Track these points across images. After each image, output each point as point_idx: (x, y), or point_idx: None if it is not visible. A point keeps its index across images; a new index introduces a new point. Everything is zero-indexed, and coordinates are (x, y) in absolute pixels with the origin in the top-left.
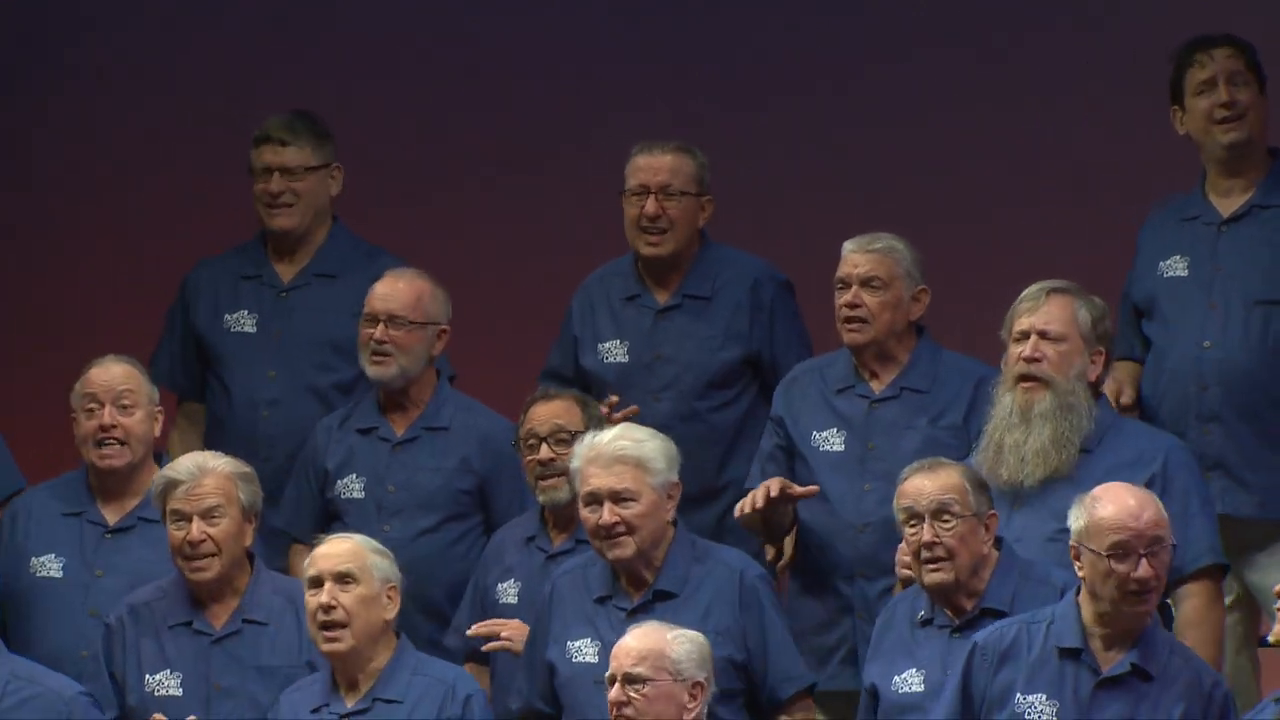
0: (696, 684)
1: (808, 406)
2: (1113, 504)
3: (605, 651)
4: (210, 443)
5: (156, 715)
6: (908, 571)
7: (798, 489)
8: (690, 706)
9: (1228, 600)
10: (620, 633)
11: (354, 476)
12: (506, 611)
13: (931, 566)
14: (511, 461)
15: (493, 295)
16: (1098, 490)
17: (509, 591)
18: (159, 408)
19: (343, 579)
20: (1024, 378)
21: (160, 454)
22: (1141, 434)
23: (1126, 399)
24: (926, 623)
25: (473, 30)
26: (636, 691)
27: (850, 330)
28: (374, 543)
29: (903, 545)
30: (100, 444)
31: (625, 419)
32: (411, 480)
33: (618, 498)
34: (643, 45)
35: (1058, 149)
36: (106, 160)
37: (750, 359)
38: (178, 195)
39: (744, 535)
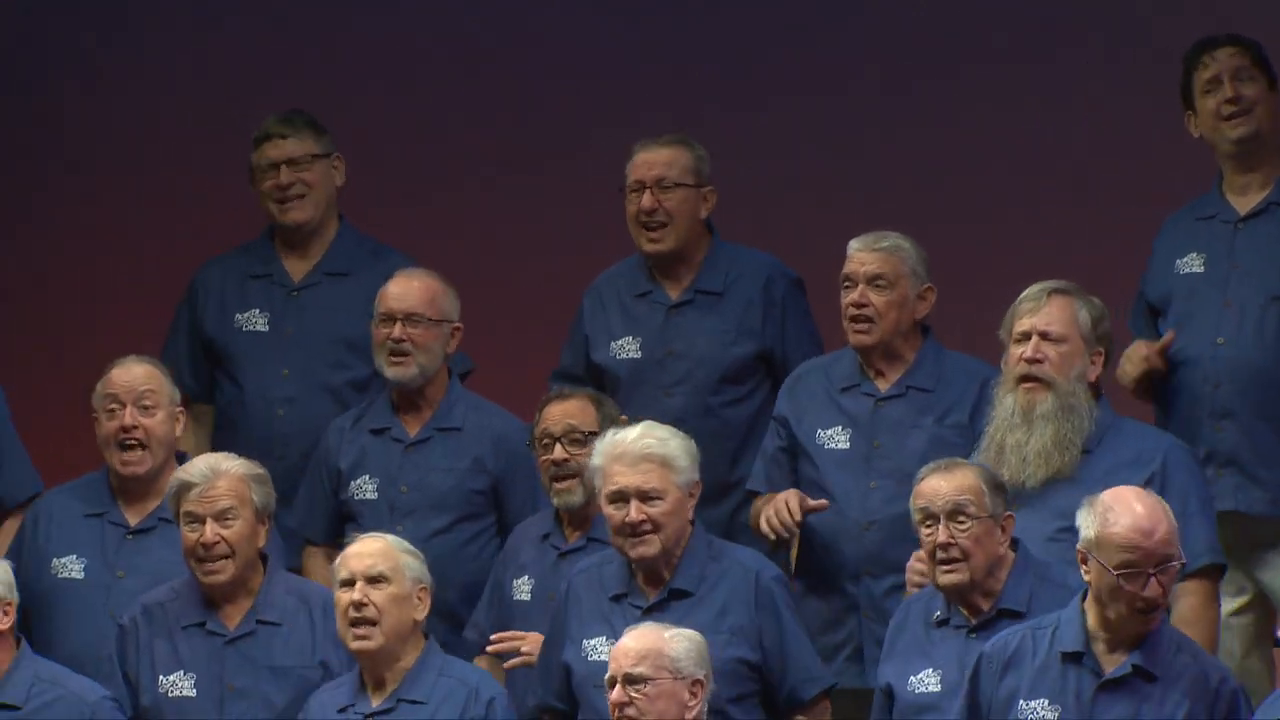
0: (696, 681)
1: (813, 404)
2: (1125, 517)
3: None
4: (222, 442)
5: None
6: (919, 578)
7: (810, 503)
8: (691, 704)
9: (1241, 601)
10: None
11: (367, 477)
12: (520, 608)
13: (946, 568)
14: (525, 461)
15: (493, 295)
16: (1109, 498)
17: (522, 588)
18: (180, 408)
19: (374, 579)
20: (1025, 379)
21: (183, 455)
22: (1140, 434)
23: (1157, 361)
24: (943, 623)
25: (473, 30)
26: (638, 691)
27: (858, 332)
28: (406, 544)
29: (913, 560)
30: (122, 446)
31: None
32: (424, 481)
33: (645, 496)
34: (643, 45)
35: (1058, 149)
36: (111, 161)
37: (763, 355)
38: (185, 196)
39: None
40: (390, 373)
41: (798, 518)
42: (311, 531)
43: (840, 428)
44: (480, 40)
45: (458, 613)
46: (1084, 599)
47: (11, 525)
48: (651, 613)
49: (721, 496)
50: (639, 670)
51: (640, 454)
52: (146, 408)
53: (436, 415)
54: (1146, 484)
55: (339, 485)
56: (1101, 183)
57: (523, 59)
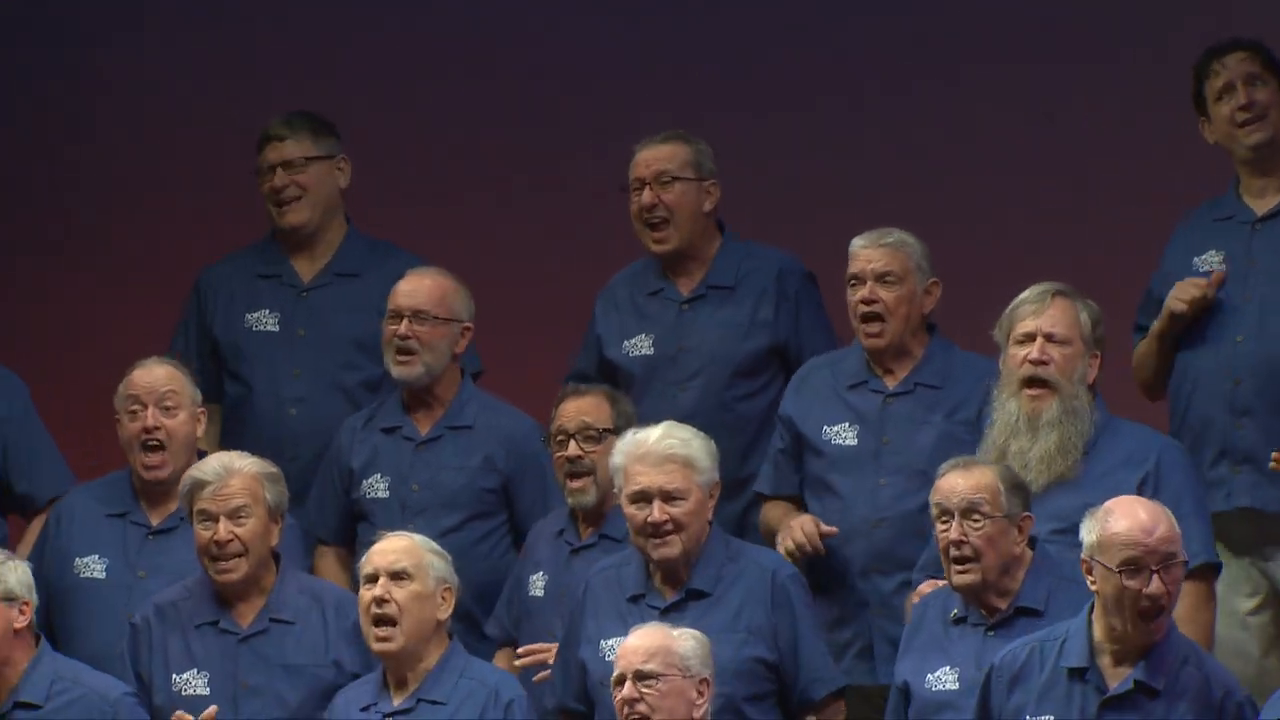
0: (703, 680)
1: (819, 401)
2: (1125, 519)
3: None
4: (232, 442)
5: (179, 714)
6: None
7: (824, 528)
8: (699, 703)
9: (1257, 600)
10: None
11: (378, 476)
12: (534, 603)
13: (959, 568)
14: (535, 461)
15: (492, 295)
16: (1110, 504)
17: (537, 584)
18: (202, 408)
19: (398, 576)
20: (1031, 381)
21: (204, 454)
22: (1134, 434)
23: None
24: (960, 621)
25: (472, 31)
26: (649, 688)
27: (870, 334)
28: (432, 543)
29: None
30: (145, 448)
31: None
32: (435, 479)
33: (668, 496)
34: (643, 45)
35: (1058, 149)
36: (119, 163)
37: (777, 349)
38: (193, 197)
39: None
40: (396, 371)
41: (820, 547)
42: (323, 531)
43: (847, 424)
44: (479, 41)
45: (470, 611)
46: (1091, 611)
47: (39, 523)
48: (669, 614)
49: (734, 493)
50: (650, 667)
51: (664, 454)
52: (168, 409)
53: (448, 414)
54: (1141, 484)
55: (351, 484)
56: (1101, 183)
57: (522, 59)
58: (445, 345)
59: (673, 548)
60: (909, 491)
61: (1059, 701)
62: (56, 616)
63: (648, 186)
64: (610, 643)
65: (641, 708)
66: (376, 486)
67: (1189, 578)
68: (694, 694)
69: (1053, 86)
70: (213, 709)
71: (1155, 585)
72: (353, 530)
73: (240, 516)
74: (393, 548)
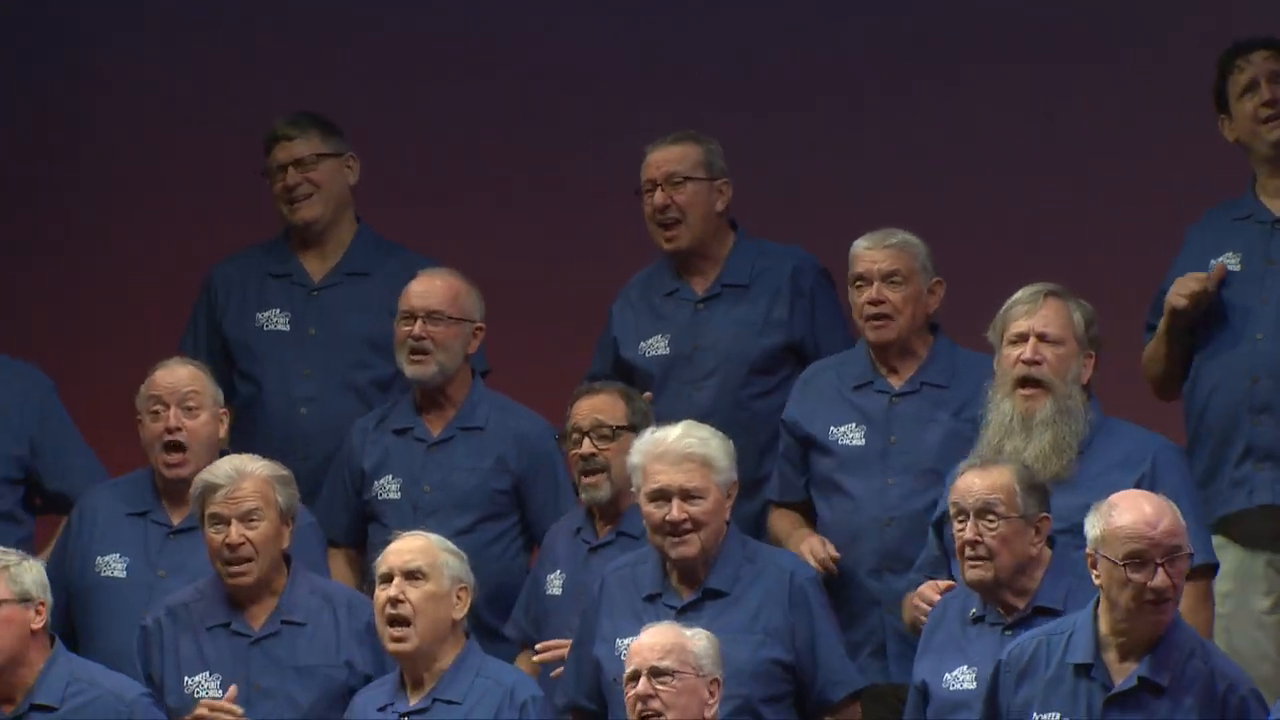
0: (714, 680)
1: (824, 403)
2: (1130, 512)
3: None
4: (243, 441)
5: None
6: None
7: (830, 550)
8: (710, 703)
9: (1274, 599)
10: None
11: (390, 477)
12: (552, 602)
13: (972, 564)
14: (547, 461)
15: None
16: (1115, 497)
17: (555, 582)
18: (224, 409)
19: (412, 575)
20: (1024, 381)
21: (225, 454)
22: (1130, 434)
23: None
24: (978, 620)
25: (471, 32)
26: (663, 684)
27: (877, 327)
28: (448, 543)
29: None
30: (166, 448)
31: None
32: (447, 480)
33: (687, 495)
34: (643, 45)
35: (1058, 149)
36: (118, 163)
37: (792, 346)
38: (192, 197)
39: None
40: (410, 371)
41: (832, 569)
42: (334, 532)
43: (854, 424)
44: (479, 41)
45: (480, 613)
46: (1096, 606)
47: None
48: (686, 613)
49: (751, 492)
50: (665, 664)
51: (683, 453)
52: (190, 409)
53: (459, 415)
54: (1137, 484)
55: (362, 485)
56: (1101, 183)
57: (522, 60)
58: (459, 345)
59: (691, 546)
60: (917, 490)
61: (1065, 698)
62: (77, 615)
63: (659, 188)
64: (625, 642)
65: (655, 704)
66: (388, 488)
67: (1188, 578)
68: (706, 694)
69: (1053, 86)
70: (233, 688)
71: (1160, 578)
72: (364, 531)
73: (252, 520)
74: (408, 547)
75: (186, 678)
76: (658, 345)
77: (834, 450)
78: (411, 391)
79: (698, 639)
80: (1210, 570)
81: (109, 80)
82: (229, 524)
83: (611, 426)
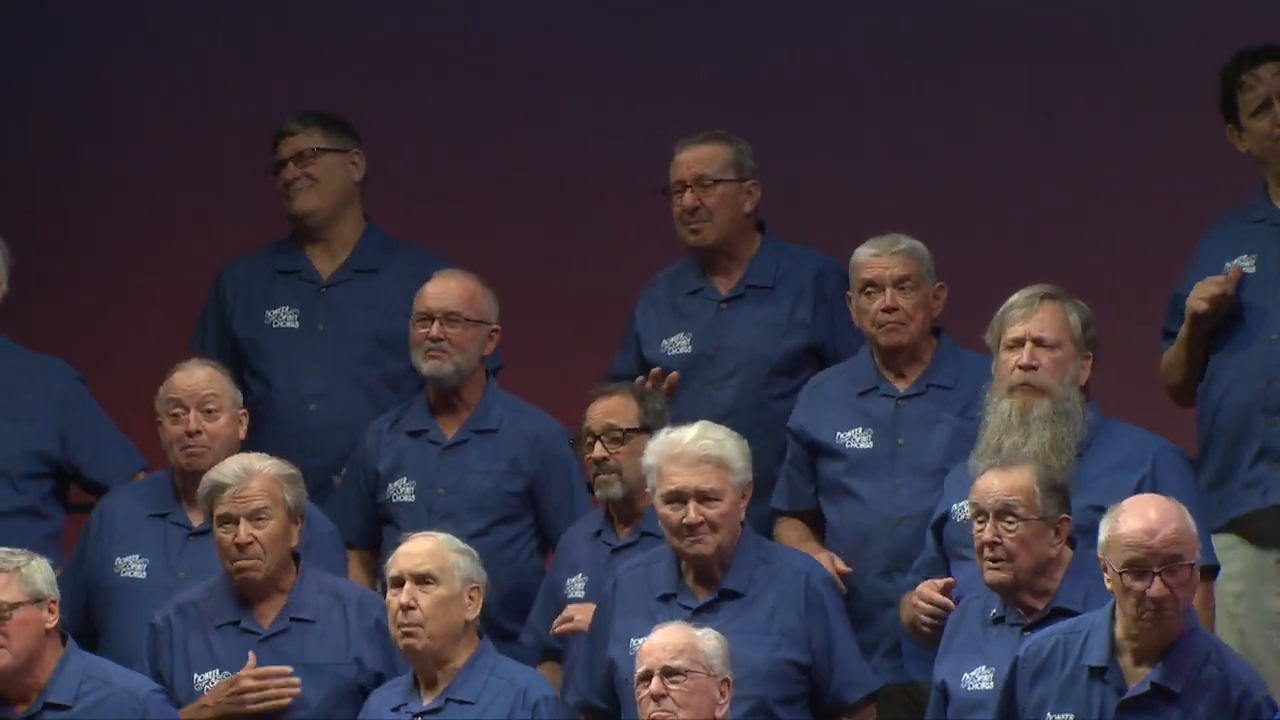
0: (725, 680)
1: (832, 409)
2: (1132, 519)
3: None
4: (253, 439)
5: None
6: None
7: (839, 565)
8: (721, 703)
9: None
10: None
11: (405, 479)
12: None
13: (991, 565)
14: (560, 463)
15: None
16: (1126, 503)
17: (576, 586)
18: (243, 410)
19: (422, 579)
20: (1021, 386)
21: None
22: (1130, 436)
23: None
24: (998, 620)
25: (471, 32)
26: (675, 684)
27: (891, 331)
28: (458, 542)
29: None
30: (186, 447)
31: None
32: (461, 483)
33: (703, 497)
34: (643, 45)
35: (1059, 149)
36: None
37: (814, 349)
38: (192, 197)
39: None
40: (427, 367)
41: (840, 585)
42: (349, 534)
43: (861, 429)
44: (479, 41)
45: (495, 617)
46: (1114, 607)
47: None
48: (701, 614)
49: (770, 491)
50: (677, 663)
51: (699, 455)
52: (209, 411)
53: (473, 417)
54: (1138, 486)
55: (377, 487)
56: (1101, 183)
57: (522, 60)
58: (475, 347)
59: (708, 546)
60: (925, 490)
61: (1079, 699)
62: (97, 616)
63: (689, 189)
64: (639, 641)
65: (668, 704)
66: (403, 490)
67: None
68: (717, 693)
69: (1053, 86)
70: (253, 655)
71: (1157, 588)
72: (378, 533)
73: (260, 518)
74: (417, 550)
75: (196, 675)
76: (680, 344)
77: (842, 454)
78: (425, 392)
79: (708, 639)
80: (1211, 572)
81: (109, 80)
82: (237, 523)
83: (622, 429)
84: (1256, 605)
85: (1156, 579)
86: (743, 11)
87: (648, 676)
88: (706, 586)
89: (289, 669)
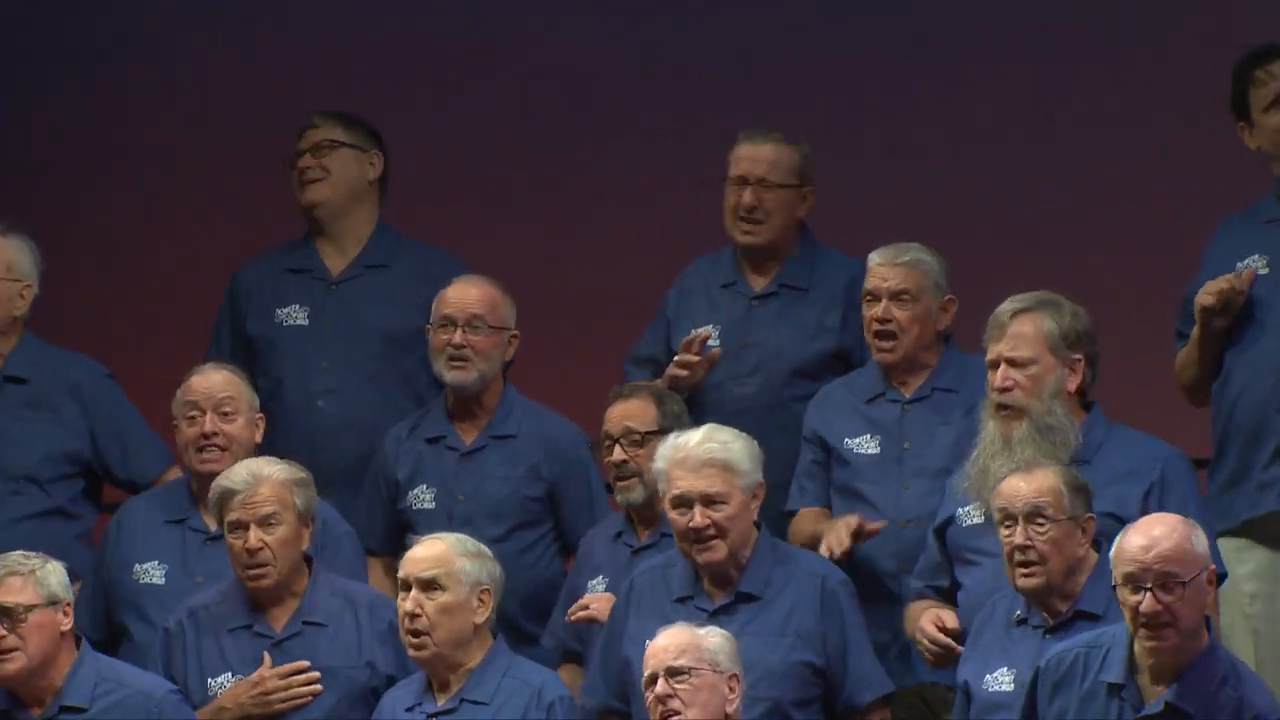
0: (733, 676)
1: (840, 416)
2: (1135, 535)
3: None
4: (264, 437)
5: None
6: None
7: (869, 525)
8: (730, 698)
9: None
10: None
11: (424, 487)
12: None
13: (1024, 571)
14: (579, 465)
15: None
16: (1141, 520)
17: (598, 588)
18: (259, 413)
19: (428, 586)
20: (1000, 407)
21: None
22: (1138, 443)
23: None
24: (1021, 622)
25: (470, 32)
26: (681, 683)
27: (882, 350)
28: (468, 544)
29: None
30: (202, 450)
31: (706, 363)
32: (480, 490)
33: (708, 501)
34: (643, 45)
35: (1059, 150)
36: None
37: (840, 354)
38: (192, 198)
39: None
40: (450, 377)
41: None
42: (371, 541)
43: (869, 435)
44: (479, 41)
45: (517, 621)
46: None
47: None
48: (718, 616)
49: (785, 492)
50: (680, 663)
51: (703, 459)
52: (226, 414)
53: (492, 423)
54: (1146, 495)
55: (397, 495)
56: (1101, 183)
57: (522, 59)
58: (498, 354)
59: (717, 552)
60: (933, 491)
61: (1097, 716)
62: (117, 622)
63: (750, 187)
64: None
65: (675, 704)
66: (423, 497)
67: None
68: (725, 689)
69: (1053, 86)
70: (268, 655)
71: (1148, 603)
72: (401, 539)
73: (270, 524)
74: (424, 555)
75: (210, 679)
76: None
77: (850, 460)
78: (443, 397)
79: (712, 636)
80: (1217, 580)
81: (109, 80)
82: (248, 529)
83: (641, 432)
84: (1271, 606)
85: (1149, 594)
86: (743, 11)
87: (653, 680)
88: (723, 589)
89: (307, 663)
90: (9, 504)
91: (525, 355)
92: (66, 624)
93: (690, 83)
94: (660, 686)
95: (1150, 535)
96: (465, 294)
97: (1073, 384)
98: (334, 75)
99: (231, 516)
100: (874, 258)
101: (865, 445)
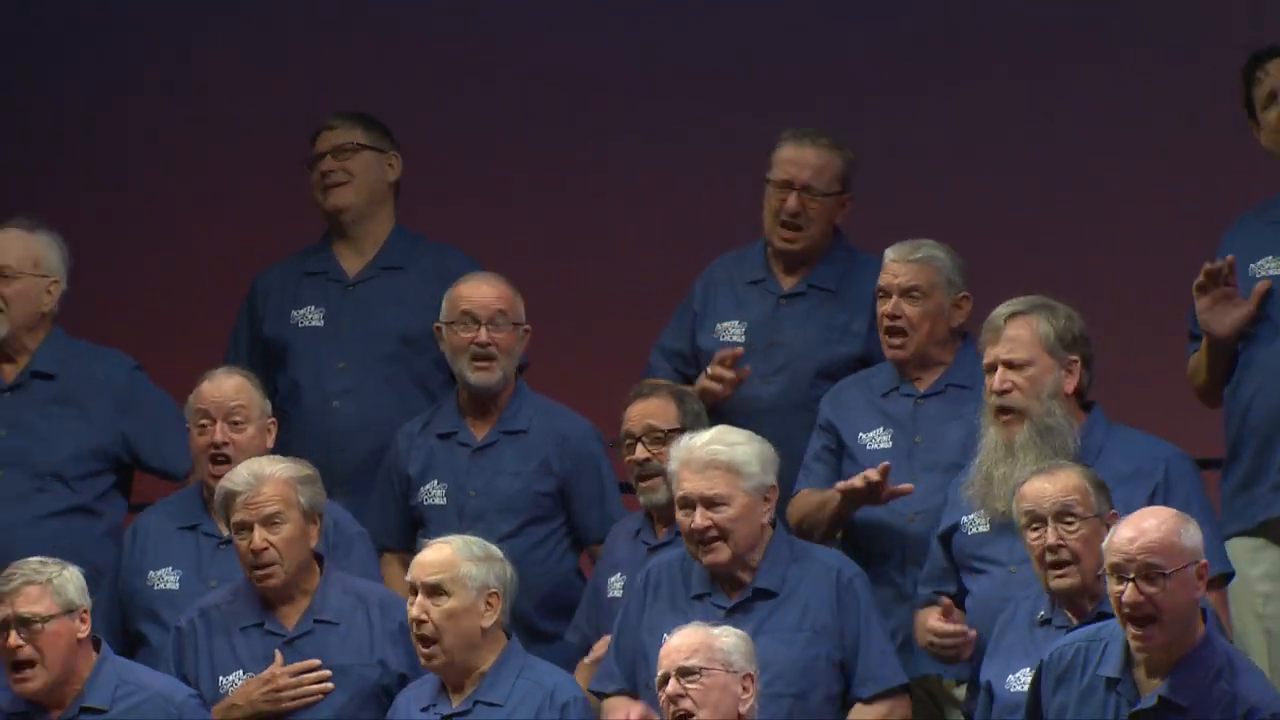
0: (747, 675)
1: (855, 410)
2: (1124, 526)
3: None
4: (280, 438)
5: None
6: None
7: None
8: (744, 698)
9: None
10: None
11: (436, 483)
12: (615, 604)
13: (1057, 572)
14: (591, 461)
15: None
16: (1135, 512)
17: (616, 585)
18: (271, 419)
19: (433, 591)
20: (999, 410)
21: None
22: (1140, 444)
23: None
24: (1045, 623)
25: (470, 31)
26: (692, 683)
27: (892, 346)
28: (475, 547)
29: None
30: (213, 461)
31: (736, 380)
32: (492, 485)
33: (709, 502)
34: (642, 45)
35: (1062, 150)
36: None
37: (864, 359)
38: (193, 198)
39: None
40: (475, 378)
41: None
42: (386, 538)
43: (881, 429)
44: (479, 41)
45: (529, 617)
46: None
47: None
48: (734, 613)
49: None
50: (692, 662)
51: (706, 460)
52: (236, 423)
53: (503, 419)
54: (1150, 496)
55: (409, 491)
56: (1101, 183)
57: (522, 59)
58: (517, 350)
59: (720, 554)
60: (941, 486)
61: (1095, 710)
62: (134, 629)
63: (795, 192)
64: None
65: (686, 704)
66: (434, 493)
67: None
68: (739, 689)
69: (1053, 86)
70: (279, 654)
71: (1129, 593)
72: (415, 535)
73: (275, 523)
74: (430, 560)
75: (221, 677)
76: (733, 331)
77: (862, 456)
78: (455, 393)
79: (725, 635)
80: (1224, 579)
81: (109, 81)
82: (252, 529)
83: (663, 430)
84: (1278, 612)
85: (1130, 584)
86: (743, 11)
87: (666, 679)
88: (735, 588)
89: (318, 661)
90: (34, 501)
91: (525, 354)
92: (84, 630)
93: (690, 83)
94: (672, 686)
95: (1139, 527)
96: (484, 291)
97: (1070, 385)
98: (334, 75)
99: (236, 518)
100: (889, 254)
101: (878, 439)
